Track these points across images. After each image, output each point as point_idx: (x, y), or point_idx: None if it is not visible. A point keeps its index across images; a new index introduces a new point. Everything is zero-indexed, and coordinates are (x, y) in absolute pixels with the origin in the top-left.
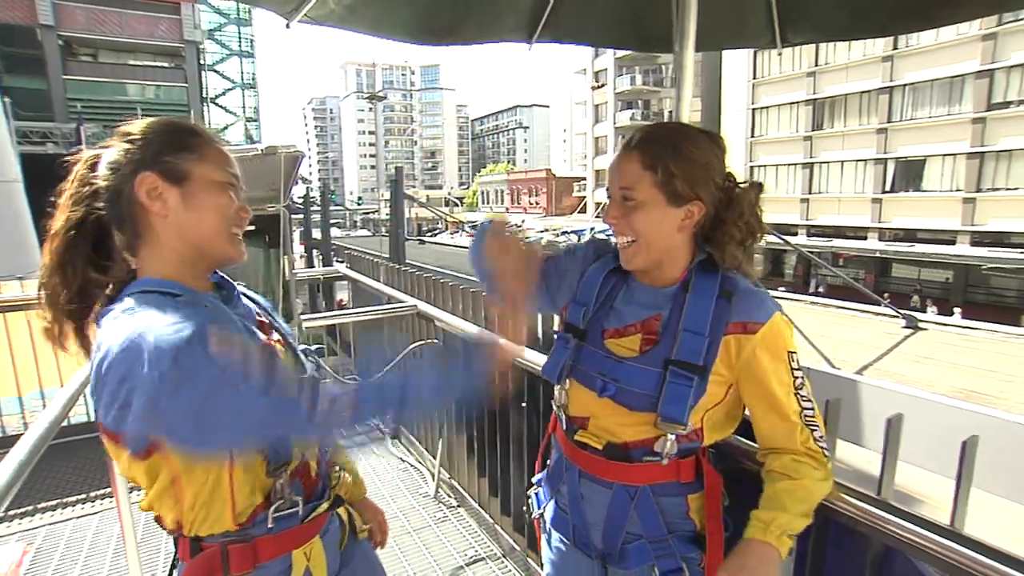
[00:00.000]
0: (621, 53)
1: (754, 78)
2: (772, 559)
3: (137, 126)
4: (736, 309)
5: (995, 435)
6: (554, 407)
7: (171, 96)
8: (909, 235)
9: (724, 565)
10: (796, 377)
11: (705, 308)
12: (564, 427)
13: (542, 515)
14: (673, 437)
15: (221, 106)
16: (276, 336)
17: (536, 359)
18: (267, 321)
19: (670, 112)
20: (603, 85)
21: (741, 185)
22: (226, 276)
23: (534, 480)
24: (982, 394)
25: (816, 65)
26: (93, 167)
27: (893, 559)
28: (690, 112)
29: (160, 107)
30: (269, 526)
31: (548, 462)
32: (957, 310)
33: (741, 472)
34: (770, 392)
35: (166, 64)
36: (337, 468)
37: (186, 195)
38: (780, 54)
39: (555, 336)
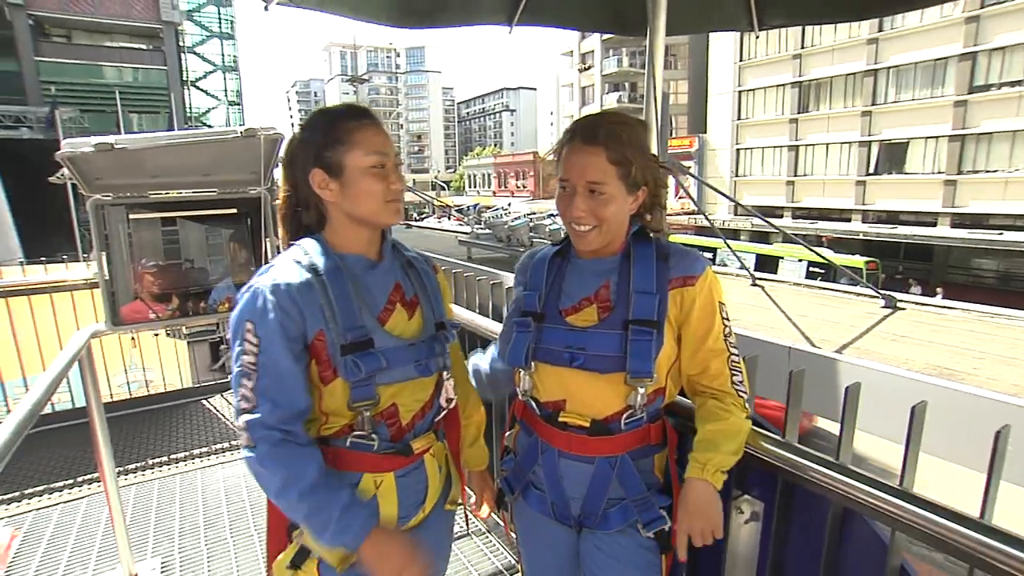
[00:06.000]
0: (608, 35)
1: (740, 60)
2: (711, 493)
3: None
4: (674, 267)
5: (956, 406)
6: (519, 394)
7: (150, 79)
8: (892, 217)
9: (681, 515)
10: (726, 325)
11: (649, 271)
12: (538, 412)
13: (515, 499)
14: (642, 390)
15: (202, 89)
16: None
17: (494, 328)
18: (404, 285)
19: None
20: (590, 67)
21: (663, 165)
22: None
23: (502, 466)
24: (955, 371)
25: (802, 48)
26: None
27: (851, 520)
28: (660, 94)
29: (139, 90)
30: (347, 445)
31: (509, 446)
32: (939, 290)
33: (686, 429)
34: (704, 333)
35: (144, 46)
36: (434, 432)
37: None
38: (758, 37)
39: (513, 323)
